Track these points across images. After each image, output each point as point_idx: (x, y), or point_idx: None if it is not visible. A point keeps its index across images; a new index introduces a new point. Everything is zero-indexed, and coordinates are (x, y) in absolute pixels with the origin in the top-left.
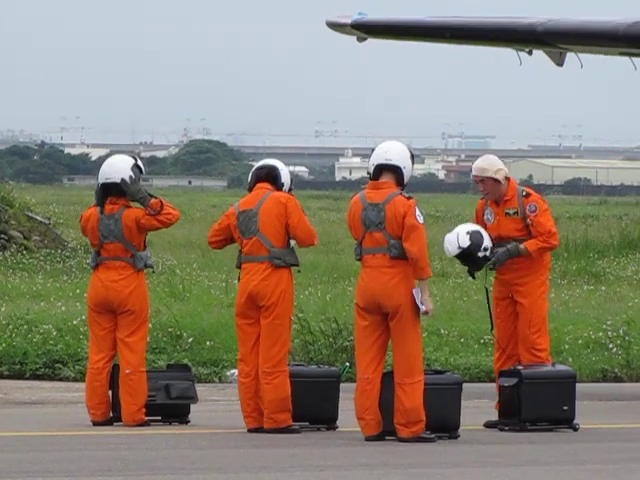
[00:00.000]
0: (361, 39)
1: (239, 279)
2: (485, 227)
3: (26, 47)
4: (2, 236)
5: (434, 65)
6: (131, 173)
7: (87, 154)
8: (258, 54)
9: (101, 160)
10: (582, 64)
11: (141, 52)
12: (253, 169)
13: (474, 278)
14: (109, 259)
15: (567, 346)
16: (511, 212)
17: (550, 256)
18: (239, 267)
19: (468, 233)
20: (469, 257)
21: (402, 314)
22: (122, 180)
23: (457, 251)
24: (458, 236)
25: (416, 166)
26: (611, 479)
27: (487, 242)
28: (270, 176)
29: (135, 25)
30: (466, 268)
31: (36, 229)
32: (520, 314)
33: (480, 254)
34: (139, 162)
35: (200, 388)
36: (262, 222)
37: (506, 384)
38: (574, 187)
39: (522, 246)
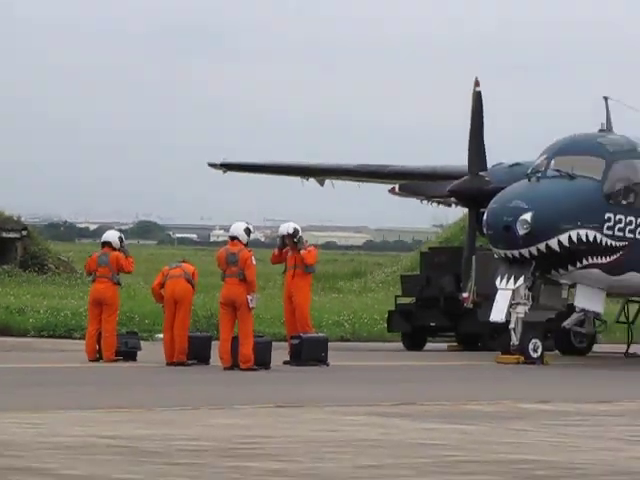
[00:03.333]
0: (224, 171)
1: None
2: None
3: None
4: (46, 267)
5: None
6: (119, 238)
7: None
8: None
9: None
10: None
11: None
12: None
13: None
14: (100, 277)
15: (323, 323)
16: None
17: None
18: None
19: None
20: None
21: (242, 307)
22: (115, 240)
23: None
24: None
25: None
26: (365, 391)
27: None
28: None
29: None
30: None
31: (61, 264)
32: (296, 308)
33: None
34: (122, 235)
35: (142, 343)
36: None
37: (294, 342)
38: None
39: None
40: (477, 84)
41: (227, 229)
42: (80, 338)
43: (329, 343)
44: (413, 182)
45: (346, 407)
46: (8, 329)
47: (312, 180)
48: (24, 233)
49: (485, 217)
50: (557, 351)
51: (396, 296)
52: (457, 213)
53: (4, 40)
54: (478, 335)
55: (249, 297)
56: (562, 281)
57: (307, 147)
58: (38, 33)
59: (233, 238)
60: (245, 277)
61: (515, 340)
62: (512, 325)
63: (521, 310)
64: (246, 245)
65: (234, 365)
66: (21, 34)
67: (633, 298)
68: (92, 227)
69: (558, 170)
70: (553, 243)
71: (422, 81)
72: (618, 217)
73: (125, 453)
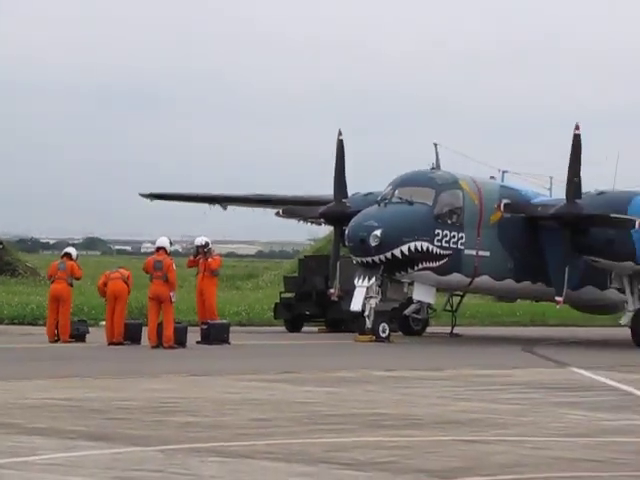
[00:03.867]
0: (152, 199)
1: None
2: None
3: None
4: (17, 272)
5: None
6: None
7: None
8: None
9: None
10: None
11: None
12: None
13: None
14: (58, 279)
15: (226, 312)
16: None
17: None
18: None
19: None
20: None
21: (166, 301)
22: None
23: None
24: None
25: None
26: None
27: None
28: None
29: None
30: None
31: (29, 269)
32: (205, 301)
33: None
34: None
35: (90, 328)
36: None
37: (203, 327)
38: None
39: None
40: (340, 133)
41: (154, 242)
42: (43, 325)
43: (230, 327)
44: (293, 207)
45: (243, 375)
46: None
47: (217, 206)
48: (0, 246)
49: (346, 233)
50: (400, 332)
51: (280, 292)
52: (326, 230)
53: None
54: (342, 320)
55: (171, 294)
56: (403, 280)
57: (225, 179)
58: None
59: (159, 249)
60: (168, 279)
61: (369, 324)
62: (366, 313)
63: (373, 302)
64: (168, 254)
65: (159, 344)
66: None
67: (455, 292)
68: (52, 242)
69: (400, 198)
70: (397, 252)
71: (295, 124)
72: (444, 232)
73: (75, 411)
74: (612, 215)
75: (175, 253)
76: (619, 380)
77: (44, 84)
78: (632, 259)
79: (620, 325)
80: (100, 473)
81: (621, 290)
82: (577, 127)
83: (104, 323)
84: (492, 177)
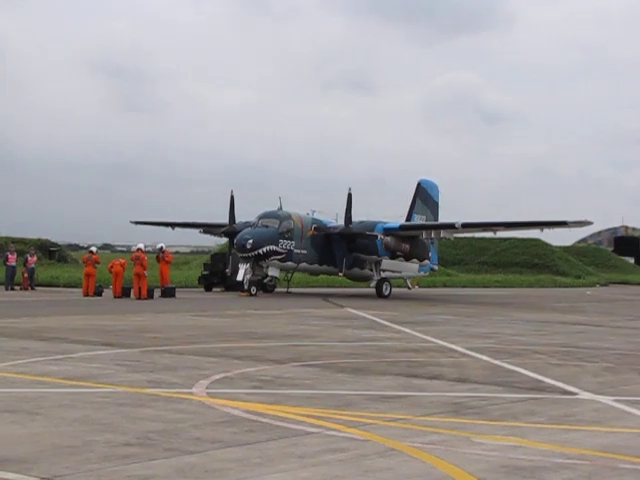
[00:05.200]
0: (136, 224)
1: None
2: None
3: None
4: (66, 260)
5: None
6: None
7: None
8: None
9: None
10: None
11: None
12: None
13: None
14: (88, 264)
15: (174, 281)
16: None
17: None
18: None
19: None
20: None
21: (143, 276)
22: (94, 249)
23: None
24: None
25: None
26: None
27: None
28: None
29: None
30: None
31: (72, 259)
32: (163, 276)
33: None
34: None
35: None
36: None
37: (162, 289)
38: None
39: None
40: (232, 194)
41: (135, 245)
42: (80, 287)
43: (176, 289)
44: (209, 228)
45: (182, 312)
46: None
47: (177, 228)
48: (58, 247)
49: (235, 241)
50: (262, 291)
51: (201, 271)
52: (224, 240)
53: None
54: (232, 285)
55: (145, 272)
56: (263, 264)
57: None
58: None
59: (139, 249)
60: (142, 264)
61: (246, 287)
62: (245, 281)
63: (248, 275)
64: (144, 252)
65: (139, 297)
66: None
67: (289, 271)
68: (83, 244)
69: (261, 224)
70: (260, 251)
71: None
72: (284, 241)
73: (96, 330)
74: (367, 232)
75: (147, 252)
76: (371, 314)
77: None
78: (376, 254)
79: (370, 287)
80: (108, 362)
81: (370, 269)
82: (350, 190)
83: (111, 287)
84: (308, 213)
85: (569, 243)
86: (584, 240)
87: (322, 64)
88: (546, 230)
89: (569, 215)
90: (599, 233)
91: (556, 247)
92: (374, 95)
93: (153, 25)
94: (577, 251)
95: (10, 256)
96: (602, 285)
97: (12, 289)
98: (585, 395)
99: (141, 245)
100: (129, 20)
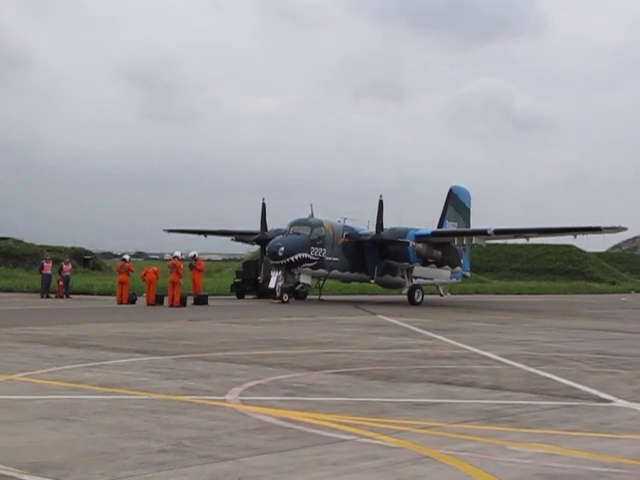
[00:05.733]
0: (169, 232)
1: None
2: None
3: None
4: (100, 268)
5: None
6: None
7: None
8: None
9: None
10: None
11: None
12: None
13: None
14: (122, 272)
15: (206, 289)
16: None
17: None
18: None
19: None
20: None
21: (177, 284)
22: (127, 257)
23: None
24: None
25: None
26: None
27: None
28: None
29: None
30: None
31: (106, 267)
32: (195, 284)
33: None
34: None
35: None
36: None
37: (195, 296)
38: None
39: None
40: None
41: (172, 254)
42: (114, 295)
43: (208, 296)
44: (241, 236)
45: (215, 320)
46: None
47: (209, 236)
48: (92, 256)
49: (267, 249)
50: (294, 298)
51: (234, 278)
52: (256, 247)
53: None
54: (264, 293)
55: (180, 280)
56: (295, 272)
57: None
58: None
59: (175, 257)
60: (179, 272)
61: (278, 294)
62: (277, 288)
63: (280, 283)
64: (180, 260)
65: (172, 305)
66: None
67: (321, 278)
68: (117, 253)
69: (294, 232)
70: (292, 258)
71: None
72: (315, 249)
73: (129, 338)
74: (398, 239)
75: (182, 259)
76: (403, 321)
77: None
78: (408, 261)
79: (402, 294)
80: (142, 369)
81: (402, 276)
82: (381, 197)
83: (144, 295)
84: (339, 221)
85: (603, 249)
86: (618, 246)
87: (352, 71)
88: (579, 236)
89: (602, 221)
90: (634, 239)
91: (590, 253)
92: (404, 101)
93: (184, 34)
94: (611, 257)
95: (46, 264)
96: (637, 291)
97: (47, 297)
98: (620, 403)
99: (178, 253)
100: (160, 30)
